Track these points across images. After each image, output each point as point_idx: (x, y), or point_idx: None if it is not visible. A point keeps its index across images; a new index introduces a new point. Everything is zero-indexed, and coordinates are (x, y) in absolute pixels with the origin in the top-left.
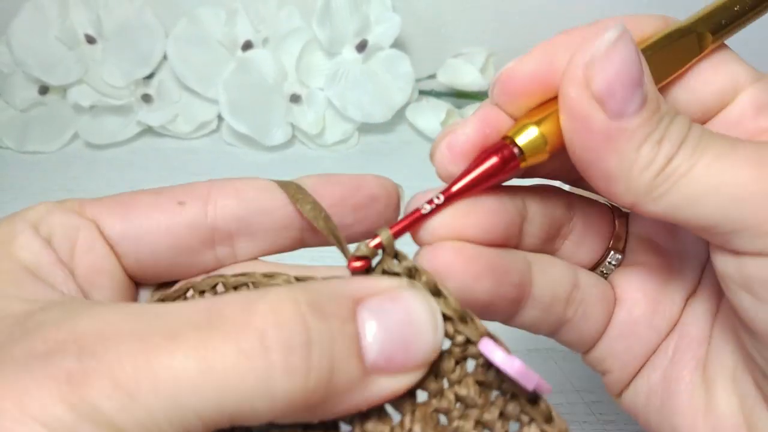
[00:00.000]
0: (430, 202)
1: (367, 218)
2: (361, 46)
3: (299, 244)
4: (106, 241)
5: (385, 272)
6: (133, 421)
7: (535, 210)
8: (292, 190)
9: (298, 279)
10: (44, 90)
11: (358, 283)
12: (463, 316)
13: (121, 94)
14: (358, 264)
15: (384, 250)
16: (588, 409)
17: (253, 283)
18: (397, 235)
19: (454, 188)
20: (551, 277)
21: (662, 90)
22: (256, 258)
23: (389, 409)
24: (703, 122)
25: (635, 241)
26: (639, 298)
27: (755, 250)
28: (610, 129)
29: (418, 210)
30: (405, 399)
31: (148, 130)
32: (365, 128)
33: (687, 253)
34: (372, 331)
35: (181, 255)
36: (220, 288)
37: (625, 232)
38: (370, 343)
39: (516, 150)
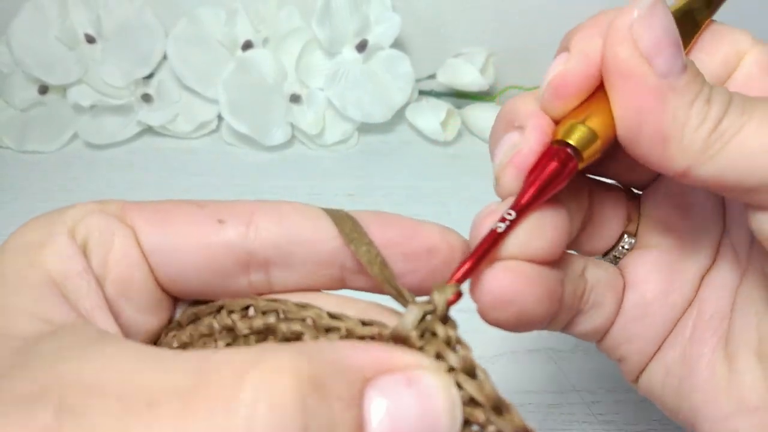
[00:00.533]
0: (503, 219)
1: (417, 271)
2: (361, 46)
3: (340, 284)
4: (142, 251)
5: (422, 334)
6: None
7: (574, 209)
8: (348, 227)
9: (330, 315)
10: (44, 90)
11: (373, 356)
12: (498, 405)
13: (121, 94)
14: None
15: (434, 311)
16: (588, 410)
17: (283, 311)
18: (470, 272)
19: (524, 200)
20: (570, 276)
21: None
22: (291, 291)
23: None
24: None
25: (647, 224)
26: (653, 280)
27: None
28: (662, 86)
29: (494, 231)
30: None
31: (148, 130)
32: (365, 128)
33: (700, 230)
34: (378, 418)
35: (214, 276)
36: (251, 312)
37: (638, 215)
38: (374, 431)
39: (570, 150)
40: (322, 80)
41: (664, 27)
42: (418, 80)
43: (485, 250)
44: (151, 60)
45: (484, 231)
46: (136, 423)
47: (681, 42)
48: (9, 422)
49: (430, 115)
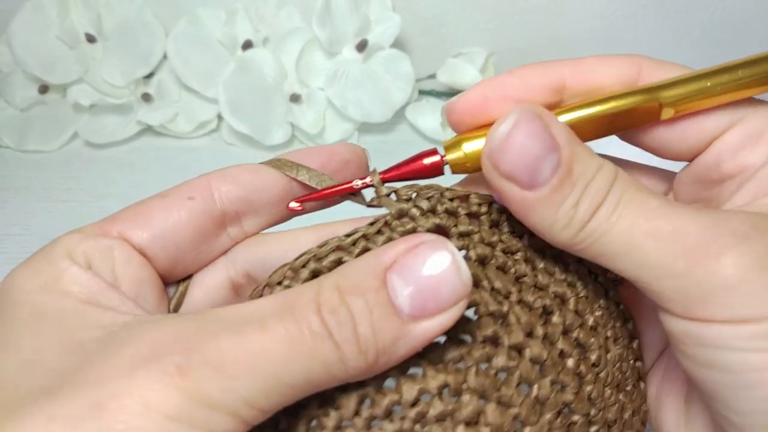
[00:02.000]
0: (362, 177)
1: (345, 179)
2: (361, 46)
3: (294, 213)
4: (138, 252)
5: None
6: (238, 399)
7: None
8: (283, 165)
9: (347, 235)
10: (44, 89)
11: (384, 253)
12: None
13: (121, 94)
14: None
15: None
16: None
17: (315, 255)
18: (326, 195)
19: (385, 176)
20: None
21: (632, 137)
22: (262, 230)
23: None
24: (687, 160)
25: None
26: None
27: (661, 306)
28: (525, 198)
29: (351, 184)
30: (476, 270)
31: (148, 130)
32: (365, 128)
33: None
34: (401, 290)
35: (203, 242)
36: (311, 264)
37: None
38: (402, 301)
39: (444, 161)
40: (322, 80)
41: (521, 149)
42: (418, 80)
43: (337, 191)
44: (151, 59)
45: (356, 184)
46: (254, 341)
47: (550, 149)
48: (148, 374)
49: (430, 115)
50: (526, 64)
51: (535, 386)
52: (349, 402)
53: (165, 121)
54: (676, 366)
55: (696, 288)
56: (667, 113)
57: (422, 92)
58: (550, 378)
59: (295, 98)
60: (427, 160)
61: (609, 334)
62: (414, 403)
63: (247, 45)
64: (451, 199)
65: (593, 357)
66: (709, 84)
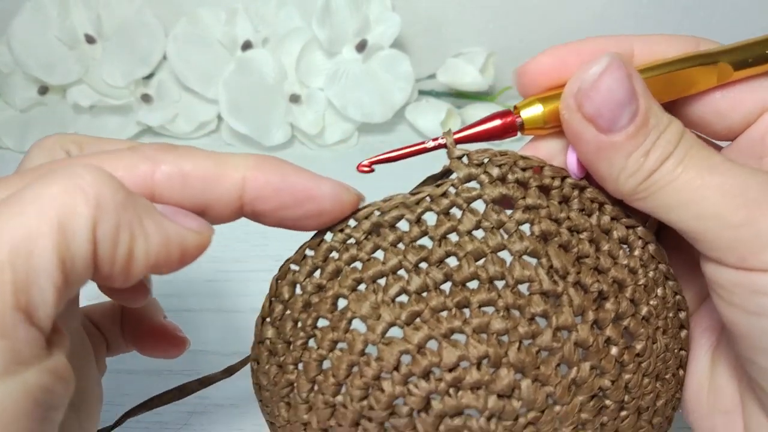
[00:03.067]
0: (435, 139)
1: (308, 221)
2: (361, 46)
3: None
4: None
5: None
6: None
7: None
8: None
9: (412, 193)
10: (44, 90)
11: None
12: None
13: (121, 94)
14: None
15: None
16: None
17: (379, 208)
18: (394, 159)
19: (457, 137)
20: None
21: (686, 108)
22: None
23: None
24: (730, 139)
25: (661, 241)
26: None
27: (712, 257)
28: (601, 142)
29: (423, 143)
30: (537, 245)
31: (148, 130)
32: (365, 128)
33: None
34: None
35: None
36: (374, 216)
37: (657, 226)
38: None
39: (519, 120)
40: (322, 80)
41: (608, 91)
42: (418, 80)
43: (409, 152)
44: (151, 60)
45: (428, 144)
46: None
47: (632, 97)
48: None
49: (430, 115)
50: (597, 36)
51: (574, 369)
52: (392, 356)
53: (165, 122)
54: (707, 319)
55: (754, 238)
56: (724, 75)
57: (422, 92)
58: (591, 363)
59: (295, 98)
60: (502, 120)
61: (660, 324)
62: (452, 368)
63: (247, 45)
64: (524, 169)
65: (639, 347)
66: (767, 50)
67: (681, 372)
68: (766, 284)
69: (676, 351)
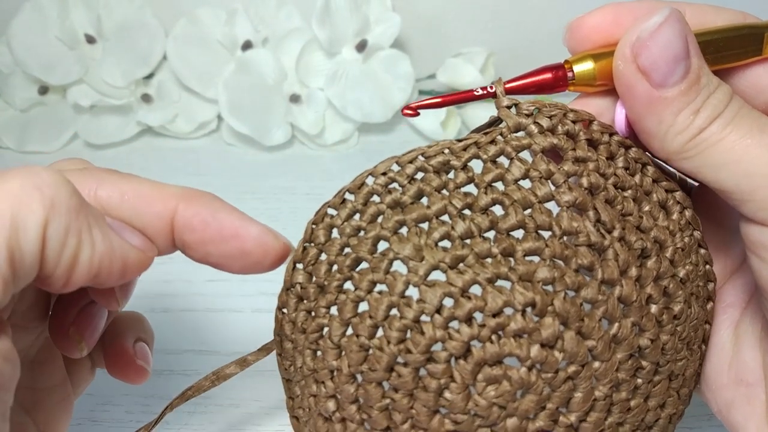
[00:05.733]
0: (483, 88)
1: (230, 262)
2: (361, 46)
3: (170, 251)
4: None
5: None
6: None
7: None
8: None
9: (458, 140)
10: (44, 90)
11: None
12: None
13: (121, 94)
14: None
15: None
16: None
17: (451, 150)
18: (438, 105)
19: (509, 86)
20: None
21: (726, 80)
22: None
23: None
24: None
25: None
26: None
27: (758, 218)
28: (653, 96)
29: (473, 91)
30: (585, 198)
31: (148, 130)
32: (365, 128)
33: (737, 233)
34: None
35: None
36: (418, 161)
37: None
38: None
39: (570, 75)
40: (322, 80)
41: (665, 44)
42: (418, 80)
43: (456, 98)
44: (151, 60)
45: (477, 91)
46: None
47: (687, 53)
48: None
49: (430, 115)
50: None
51: (616, 324)
52: (434, 298)
53: (165, 122)
54: (731, 295)
55: None
56: None
57: (422, 92)
58: (633, 320)
59: (295, 98)
60: (553, 73)
61: (693, 290)
62: (496, 314)
63: (247, 45)
64: (574, 122)
65: (676, 309)
66: None
67: (704, 347)
68: None
69: (703, 323)
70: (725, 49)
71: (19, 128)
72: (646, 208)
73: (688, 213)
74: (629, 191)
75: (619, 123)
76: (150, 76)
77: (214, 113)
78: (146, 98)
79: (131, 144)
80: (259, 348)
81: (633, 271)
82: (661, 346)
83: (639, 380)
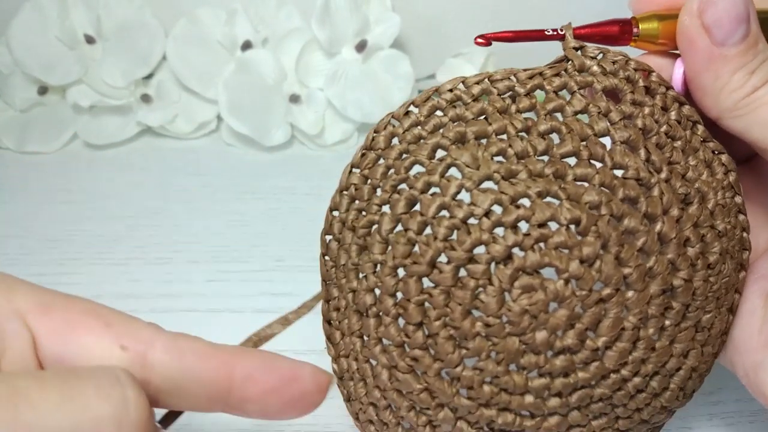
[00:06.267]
0: (555, 30)
1: (289, 408)
2: (361, 46)
3: (220, 409)
4: (37, 358)
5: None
6: None
7: None
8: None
9: (524, 69)
10: (44, 90)
11: None
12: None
13: (121, 94)
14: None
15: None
16: None
17: (491, 78)
18: (510, 38)
19: (579, 32)
20: None
21: None
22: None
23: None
24: None
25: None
26: None
27: None
28: (713, 53)
29: (543, 31)
30: (638, 136)
31: (148, 130)
32: (365, 128)
33: None
34: None
35: None
36: (485, 83)
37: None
38: None
39: (635, 30)
40: (322, 80)
41: (730, 4)
42: (418, 80)
43: (528, 34)
44: (150, 60)
45: (548, 31)
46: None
47: (748, 17)
48: None
49: None
50: None
51: (653, 258)
52: (485, 201)
53: (165, 122)
54: (765, 267)
55: None
56: None
57: (422, 92)
58: (670, 257)
59: (294, 98)
60: (620, 25)
61: (728, 248)
62: (542, 225)
63: (247, 45)
64: (635, 69)
65: (711, 258)
66: None
67: (730, 317)
68: None
69: (733, 288)
70: None
71: (18, 128)
72: (693, 162)
73: (731, 176)
74: (679, 142)
75: (677, 81)
76: (150, 76)
77: (214, 113)
78: (146, 98)
79: (131, 144)
80: (302, 304)
81: (675, 212)
82: (692, 290)
83: (667, 321)
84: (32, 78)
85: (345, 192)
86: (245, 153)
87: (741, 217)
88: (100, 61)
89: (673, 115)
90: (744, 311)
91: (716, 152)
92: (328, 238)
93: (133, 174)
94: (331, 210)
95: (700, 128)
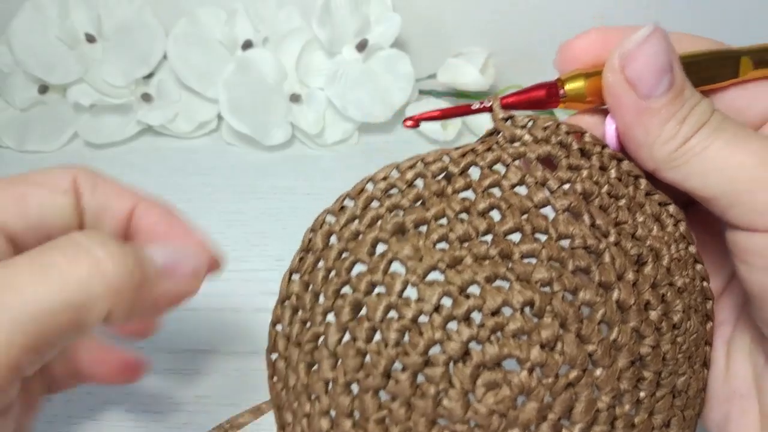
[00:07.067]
0: (482, 102)
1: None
2: (361, 46)
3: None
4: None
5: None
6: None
7: None
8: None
9: (456, 148)
10: (44, 89)
11: None
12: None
13: (121, 94)
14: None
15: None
16: None
17: (424, 161)
18: (437, 117)
19: (504, 102)
20: None
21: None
22: None
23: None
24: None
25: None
26: None
27: (743, 224)
28: (640, 106)
29: (469, 105)
30: (580, 202)
31: (148, 130)
32: (365, 128)
33: (724, 252)
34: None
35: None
36: (418, 166)
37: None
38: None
39: (562, 92)
40: (322, 80)
41: (652, 56)
42: (418, 80)
43: (455, 111)
44: (151, 60)
45: (474, 105)
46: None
47: (671, 66)
48: None
49: None
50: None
51: (616, 329)
52: (433, 296)
53: (165, 121)
54: (724, 312)
55: None
56: (744, 71)
57: (422, 92)
58: (632, 325)
59: (295, 98)
60: (547, 89)
61: (691, 303)
62: (495, 313)
63: (247, 45)
64: (567, 133)
65: (675, 318)
66: None
67: (705, 371)
68: None
69: (702, 342)
70: (703, 72)
71: (19, 127)
72: (641, 219)
73: (682, 226)
74: (623, 200)
75: (610, 137)
76: (150, 76)
77: (214, 113)
78: (146, 98)
79: (131, 143)
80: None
81: (630, 275)
82: (662, 355)
83: (642, 393)
84: (33, 77)
85: (286, 302)
86: (245, 152)
87: (698, 267)
88: (100, 61)
89: (613, 173)
90: (711, 363)
91: (663, 204)
92: (274, 356)
93: (133, 173)
94: (273, 324)
95: (643, 182)
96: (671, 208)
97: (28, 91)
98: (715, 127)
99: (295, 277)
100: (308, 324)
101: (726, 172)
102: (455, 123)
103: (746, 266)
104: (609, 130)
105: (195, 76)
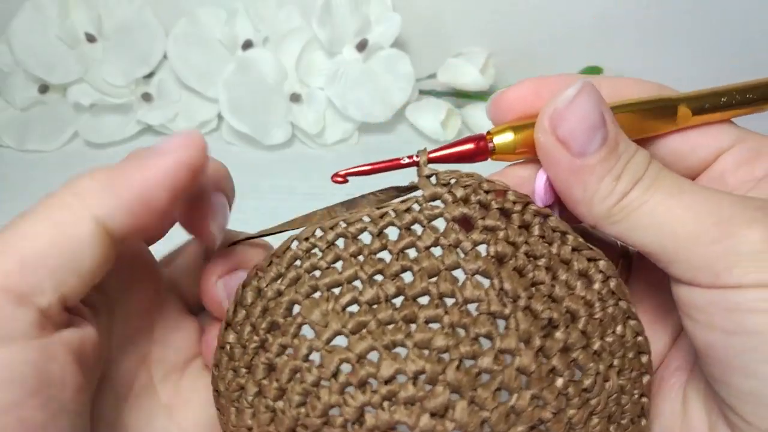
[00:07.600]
0: (410, 157)
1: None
2: (362, 46)
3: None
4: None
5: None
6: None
7: None
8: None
9: (377, 207)
10: (44, 89)
11: None
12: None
13: (121, 93)
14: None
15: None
16: None
17: (346, 221)
18: (367, 172)
19: (432, 156)
20: None
21: (648, 149)
22: None
23: (479, 278)
24: (690, 179)
25: (634, 282)
26: None
27: (685, 279)
28: (574, 164)
29: (398, 160)
30: (490, 266)
31: (148, 129)
32: (365, 128)
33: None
34: None
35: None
36: (339, 227)
37: (628, 273)
38: None
39: (491, 145)
40: (323, 80)
41: (581, 114)
42: (418, 80)
43: (384, 166)
44: (151, 59)
45: (403, 160)
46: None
47: (602, 122)
48: None
49: (431, 115)
50: (569, 74)
51: (514, 396)
52: (332, 363)
53: (165, 121)
54: (678, 359)
55: (727, 254)
56: (683, 119)
57: (422, 92)
58: (533, 392)
59: (295, 98)
60: (475, 143)
61: (615, 363)
62: (388, 381)
63: (247, 45)
64: (488, 192)
65: (587, 382)
66: (722, 99)
67: (643, 421)
68: (741, 301)
69: (635, 396)
70: (641, 122)
71: (19, 127)
72: (563, 277)
73: (612, 282)
74: (543, 260)
75: (539, 190)
76: (150, 75)
77: (215, 112)
78: (146, 97)
79: (131, 143)
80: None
81: (536, 342)
82: (566, 420)
83: None
84: (33, 77)
85: (222, 350)
86: (245, 152)
87: (632, 322)
88: (100, 60)
89: (535, 231)
90: (666, 411)
91: (592, 260)
92: (216, 394)
93: None
94: (213, 365)
95: (570, 238)
96: (602, 264)
97: (29, 91)
98: (651, 180)
99: (229, 326)
100: (235, 373)
101: (664, 227)
102: (455, 123)
103: (690, 321)
104: (539, 182)
105: (195, 75)
